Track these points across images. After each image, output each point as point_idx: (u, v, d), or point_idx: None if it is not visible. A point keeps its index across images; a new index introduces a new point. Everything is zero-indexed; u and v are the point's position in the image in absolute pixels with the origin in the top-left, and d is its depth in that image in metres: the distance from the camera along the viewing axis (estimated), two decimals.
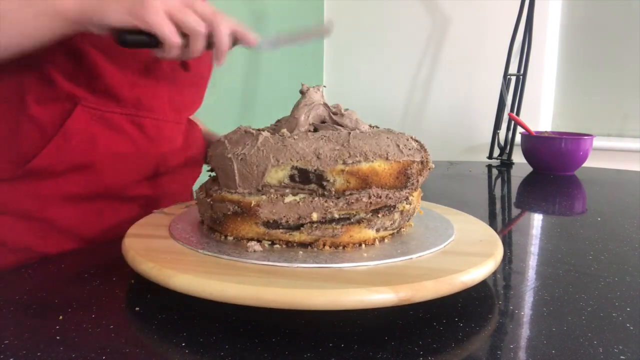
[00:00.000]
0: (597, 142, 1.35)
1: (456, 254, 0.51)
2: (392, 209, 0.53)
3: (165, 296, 0.48)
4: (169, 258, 0.48)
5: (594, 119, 1.83)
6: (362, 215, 0.51)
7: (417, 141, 0.57)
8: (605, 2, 1.77)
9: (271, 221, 0.51)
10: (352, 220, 0.51)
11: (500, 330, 0.44)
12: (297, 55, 1.99)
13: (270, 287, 0.41)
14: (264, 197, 0.51)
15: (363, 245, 0.52)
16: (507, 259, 0.61)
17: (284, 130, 0.54)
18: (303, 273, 0.45)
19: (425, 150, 0.56)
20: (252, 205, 0.51)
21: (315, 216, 0.50)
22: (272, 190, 0.51)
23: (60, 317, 0.44)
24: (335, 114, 0.58)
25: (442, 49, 1.97)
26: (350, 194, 0.50)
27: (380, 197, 0.51)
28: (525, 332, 0.43)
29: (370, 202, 0.51)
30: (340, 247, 0.51)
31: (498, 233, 0.57)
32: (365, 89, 2.12)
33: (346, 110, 0.59)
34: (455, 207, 0.70)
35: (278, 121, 0.61)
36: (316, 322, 0.44)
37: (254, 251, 0.50)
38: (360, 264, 0.47)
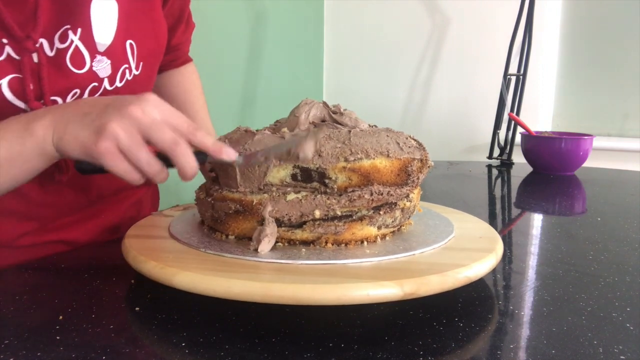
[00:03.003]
0: (597, 142, 1.34)
1: (458, 249, 0.51)
2: (393, 206, 0.53)
3: (165, 296, 0.48)
4: (171, 257, 0.48)
5: (594, 119, 1.83)
6: (364, 212, 0.52)
7: (415, 140, 0.57)
8: (606, 2, 1.77)
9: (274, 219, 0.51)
10: (354, 217, 0.51)
11: (500, 330, 0.44)
12: (297, 55, 1.99)
13: (276, 284, 0.41)
14: (265, 195, 0.52)
15: (365, 243, 0.52)
16: (507, 259, 0.61)
17: (285, 130, 0.55)
18: (308, 269, 0.45)
19: (424, 149, 0.57)
20: (254, 203, 0.51)
21: (317, 213, 0.50)
22: (274, 189, 0.52)
23: (60, 317, 0.44)
24: (334, 112, 0.58)
25: (442, 49, 1.97)
26: (353, 191, 0.51)
27: (382, 193, 0.52)
28: (525, 332, 0.43)
29: (372, 199, 0.51)
30: (343, 245, 0.51)
31: (498, 233, 0.57)
32: (365, 89, 2.12)
33: (345, 110, 0.59)
34: (455, 207, 0.70)
35: (277, 121, 0.61)
36: (316, 322, 0.44)
37: (262, 251, 0.50)
38: (364, 260, 0.48)
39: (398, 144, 0.53)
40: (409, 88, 2.05)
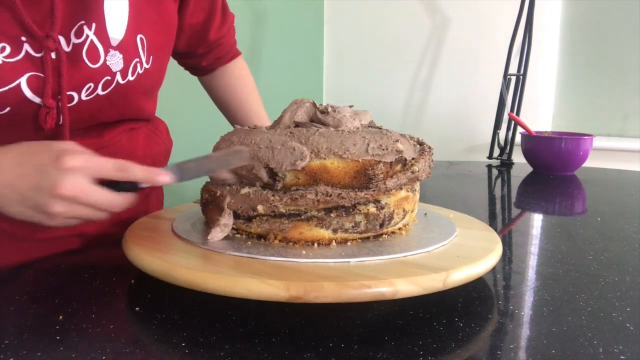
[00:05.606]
0: (597, 142, 1.34)
1: (409, 265, 0.46)
2: (350, 209, 0.51)
3: (165, 296, 0.48)
4: (145, 235, 0.54)
5: (594, 119, 1.83)
6: (313, 213, 0.51)
7: (421, 144, 0.57)
8: (606, 3, 1.77)
9: (232, 211, 0.53)
10: (302, 217, 0.51)
11: (500, 330, 0.44)
12: (297, 55, 1.99)
13: (176, 266, 0.45)
14: (227, 187, 0.54)
15: (316, 245, 0.51)
16: (507, 259, 0.61)
17: (261, 127, 0.56)
18: (227, 260, 0.47)
19: (428, 152, 0.56)
20: (217, 195, 0.54)
21: (260, 208, 0.51)
22: (233, 182, 0.54)
23: (60, 317, 0.44)
24: (322, 112, 0.58)
25: (442, 49, 1.97)
26: (296, 190, 0.51)
27: (330, 195, 0.50)
28: (525, 332, 0.43)
29: (318, 200, 0.50)
30: (291, 243, 0.51)
31: (498, 233, 0.57)
32: (365, 89, 2.12)
33: (351, 107, 0.59)
34: (455, 207, 0.70)
35: None
36: (316, 322, 0.44)
37: (211, 238, 0.52)
38: (293, 259, 0.47)
39: (368, 145, 0.51)
40: (409, 88, 2.05)
